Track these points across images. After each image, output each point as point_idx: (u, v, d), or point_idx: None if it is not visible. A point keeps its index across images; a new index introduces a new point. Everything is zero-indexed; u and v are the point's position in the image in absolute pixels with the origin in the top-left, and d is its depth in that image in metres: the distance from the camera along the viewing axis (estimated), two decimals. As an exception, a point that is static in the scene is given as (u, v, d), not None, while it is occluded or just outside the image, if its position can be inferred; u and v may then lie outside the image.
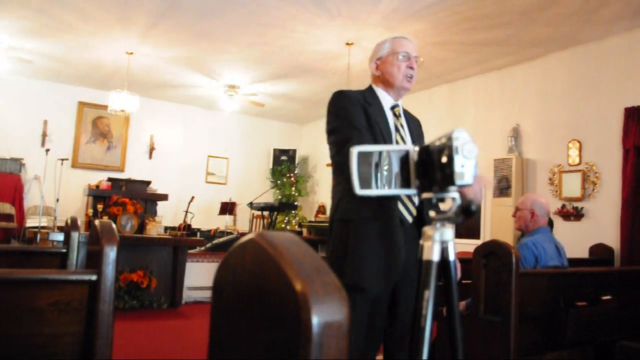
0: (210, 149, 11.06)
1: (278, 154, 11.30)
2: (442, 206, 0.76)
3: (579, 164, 6.30)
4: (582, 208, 6.21)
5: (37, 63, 8.29)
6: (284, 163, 11.15)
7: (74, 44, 7.43)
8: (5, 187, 8.68)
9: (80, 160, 9.76)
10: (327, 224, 9.24)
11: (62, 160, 8.25)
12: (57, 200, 8.03)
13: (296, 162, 11.31)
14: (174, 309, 5.97)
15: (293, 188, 11.00)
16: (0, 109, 9.16)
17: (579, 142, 6.33)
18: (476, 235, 7.27)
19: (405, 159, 0.77)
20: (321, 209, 10.71)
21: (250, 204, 8.55)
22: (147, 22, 6.52)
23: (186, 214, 8.63)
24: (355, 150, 0.76)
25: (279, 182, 11.02)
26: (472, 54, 6.98)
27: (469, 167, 0.74)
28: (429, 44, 6.66)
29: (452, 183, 0.74)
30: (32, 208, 9.00)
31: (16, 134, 9.19)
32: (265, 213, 8.51)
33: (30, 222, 8.66)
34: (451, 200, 0.76)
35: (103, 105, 8.98)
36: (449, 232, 0.78)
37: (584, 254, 5.82)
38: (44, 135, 9.40)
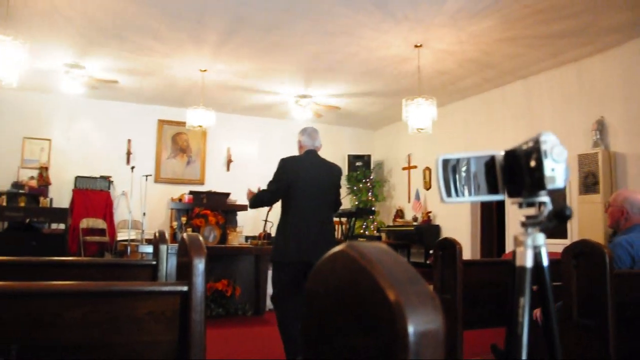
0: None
1: (353, 159, 11.31)
2: (532, 211, 0.75)
3: (673, 154, 5.90)
4: (678, 202, 5.79)
5: (119, 85, 8.78)
6: (360, 169, 11.14)
7: (151, 66, 7.81)
8: (97, 203, 9.24)
9: (163, 175, 10.20)
10: (406, 228, 9.22)
11: (146, 176, 8.68)
12: (144, 214, 8.44)
13: (371, 167, 11.28)
14: (259, 316, 6.12)
15: (370, 193, 10.98)
16: (89, 131, 9.77)
17: (671, 131, 5.93)
18: (563, 235, 6.96)
19: (490, 164, 0.77)
20: (399, 213, 10.62)
21: (328, 211, 8.57)
22: (217, 40, 6.75)
23: (265, 223, 8.79)
24: (440, 158, 0.76)
25: (355, 188, 11.03)
26: (545, 47, 6.71)
27: (560, 171, 0.72)
28: (499, 40, 6.47)
29: (543, 187, 0.72)
30: (121, 222, 9.51)
31: (104, 154, 9.76)
32: (343, 219, 8.53)
33: (121, 236, 9.16)
34: (542, 205, 0.75)
35: (181, 121, 9.34)
36: (540, 237, 0.76)
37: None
38: (129, 153, 9.92)
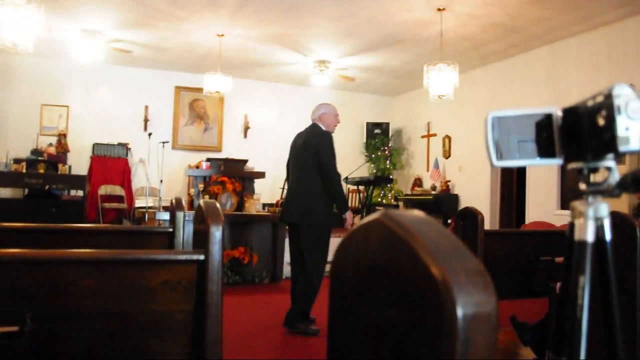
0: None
1: (371, 127, 11.16)
2: (595, 177, 0.66)
3: None
4: None
5: (135, 51, 8.68)
6: (378, 136, 11.00)
7: (167, 31, 7.69)
8: (115, 170, 9.27)
9: (180, 142, 10.17)
10: (424, 197, 9.13)
11: (163, 142, 8.65)
12: (161, 181, 8.45)
13: (390, 135, 11.13)
14: (276, 283, 6.12)
15: (388, 161, 10.86)
16: (106, 97, 9.73)
17: None
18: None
19: (545, 123, 0.67)
20: (417, 182, 10.51)
21: (346, 179, 8.52)
22: (234, 4, 6.59)
23: (283, 191, 8.76)
24: (490, 115, 0.66)
25: (373, 156, 10.91)
26: (575, 10, 6.44)
27: (636, 130, 0.61)
28: (525, 3, 6.22)
29: (614, 150, 0.62)
30: (139, 189, 9.54)
31: (121, 121, 9.73)
32: (361, 187, 8.46)
33: (139, 203, 9.20)
34: (606, 170, 0.65)
35: (198, 88, 9.26)
36: (604, 207, 0.67)
37: None
38: (146, 120, 9.87)
